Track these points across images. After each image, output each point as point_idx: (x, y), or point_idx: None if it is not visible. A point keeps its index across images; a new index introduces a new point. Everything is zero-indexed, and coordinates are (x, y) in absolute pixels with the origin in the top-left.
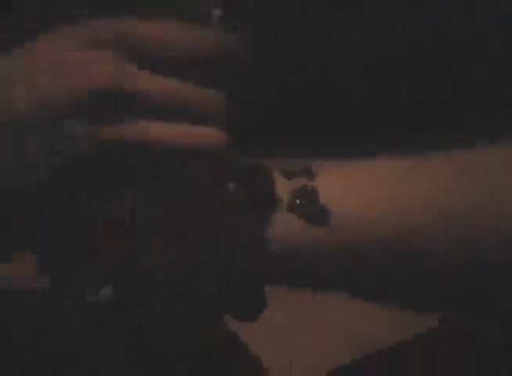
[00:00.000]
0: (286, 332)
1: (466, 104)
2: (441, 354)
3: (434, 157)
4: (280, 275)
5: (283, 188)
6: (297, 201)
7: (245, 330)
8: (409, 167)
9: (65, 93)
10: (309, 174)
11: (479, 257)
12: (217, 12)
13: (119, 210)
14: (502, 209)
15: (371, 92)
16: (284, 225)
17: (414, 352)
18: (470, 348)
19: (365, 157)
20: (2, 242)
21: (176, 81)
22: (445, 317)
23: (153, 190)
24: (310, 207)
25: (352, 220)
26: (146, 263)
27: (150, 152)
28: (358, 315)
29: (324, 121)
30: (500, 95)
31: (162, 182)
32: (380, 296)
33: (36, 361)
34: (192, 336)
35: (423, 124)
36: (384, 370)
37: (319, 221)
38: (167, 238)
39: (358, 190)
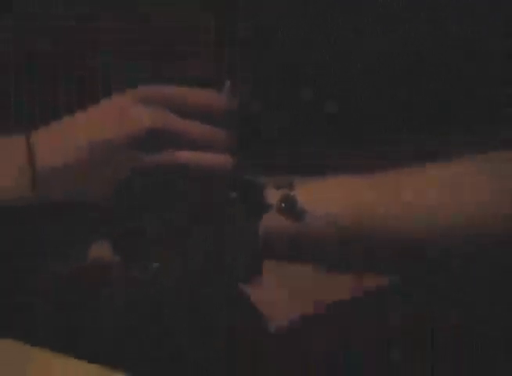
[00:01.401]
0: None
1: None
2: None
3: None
4: (270, 252)
5: (274, 196)
6: (283, 205)
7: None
8: (363, 181)
9: (128, 133)
10: (291, 186)
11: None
12: (227, 83)
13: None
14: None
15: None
16: (274, 221)
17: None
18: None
19: (332, 175)
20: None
21: (198, 123)
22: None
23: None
24: (291, 209)
25: (319, 217)
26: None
27: (179, 171)
28: (321, 278)
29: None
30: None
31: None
32: (339, 266)
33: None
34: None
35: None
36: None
37: (297, 218)
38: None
39: (324, 197)
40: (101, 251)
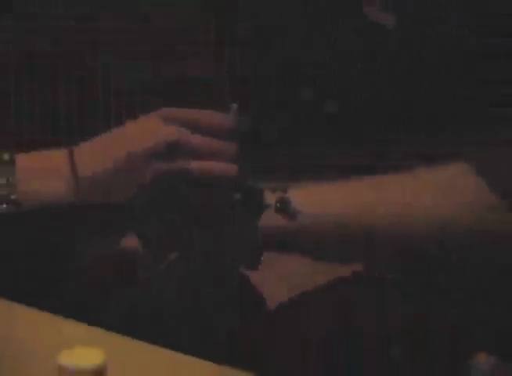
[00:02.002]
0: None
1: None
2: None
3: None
4: (268, 243)
5: (271, 198)
6: (278, 205)
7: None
8: (349, 185)
9: (151, 146)
10: (284, 190)
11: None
12: (234, 106)
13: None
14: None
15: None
16: (272, 218)
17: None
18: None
19: (329, 177)
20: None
21: (208, 138)
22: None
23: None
24: (285, 209)
25: (308, 215)
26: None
27: (191, 177)
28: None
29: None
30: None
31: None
32: (321, 257)
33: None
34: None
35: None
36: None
37: (291, 216)
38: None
39: (313, 200)
40: (130, 242)
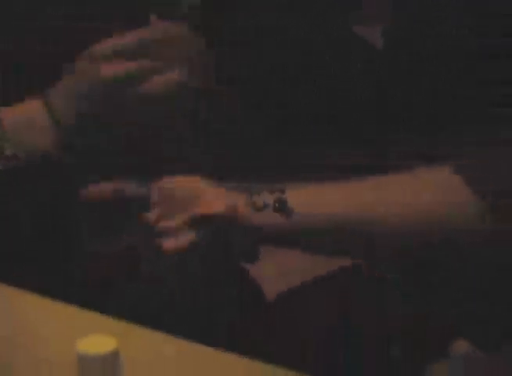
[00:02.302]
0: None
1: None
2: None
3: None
4: (267, 239)
5: (269, 198)
6: (277, 205)
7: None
8: (346, 186)
9: None
10: (282, 191)
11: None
12: None
13: None
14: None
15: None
16: (271, 216)
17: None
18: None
19: (319, 182)
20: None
21: None
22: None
23: None
24: (283, 208)
25: (302, 214)
26: None
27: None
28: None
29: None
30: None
31: None
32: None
33: None
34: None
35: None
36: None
37: (288, 215)
38: None
39: (307, 200)
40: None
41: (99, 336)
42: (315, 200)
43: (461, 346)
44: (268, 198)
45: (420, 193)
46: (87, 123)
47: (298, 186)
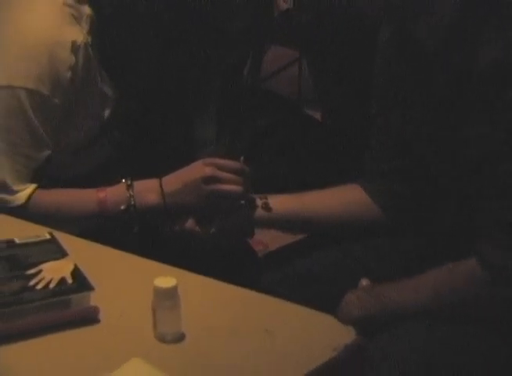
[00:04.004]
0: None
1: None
2: None
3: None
4: (259, 224)
5: (259, 202)
6: (263, 205)
7: None
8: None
9: (198, 178)
10: (266, 198)
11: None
12: (242, 158)
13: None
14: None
15: None
16: (259, 212)
17: None
18: None
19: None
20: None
21: (228, 174)
22: None
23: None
24: (266, 207)
25: (276, 210)
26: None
27: (220, 194)
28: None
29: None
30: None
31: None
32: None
33: None
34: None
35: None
36: None
37: (269, 211)
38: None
39: (279, 203)
40: (191, 222)
41: (166, 277)
42: (283, 203)
43: (364, 282)
44: (258, 202)
45: (339, 202)
46: None
47: (274, 197)
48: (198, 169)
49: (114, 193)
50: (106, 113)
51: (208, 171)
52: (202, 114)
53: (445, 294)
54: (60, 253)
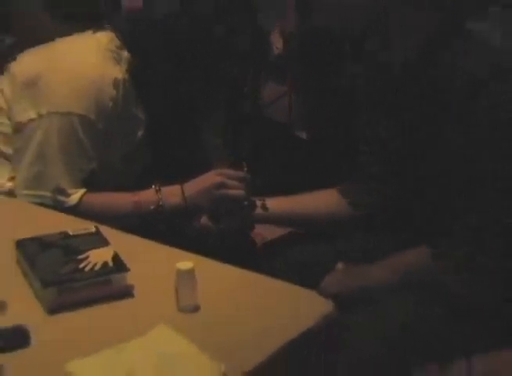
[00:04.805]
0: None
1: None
2: None
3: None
4: (259, 220)
5: (258, 203)
6: (262, 206)
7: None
8: (294, 198)
9: (210, 184)
10: (264, 200)
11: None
12: (245, 168)
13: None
14: None
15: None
16: (259, 211)
17: None
18: None
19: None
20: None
21: (235, 182)
22: None
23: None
24: (264, 208)
25: (272, 210)
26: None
27: (228, 197)
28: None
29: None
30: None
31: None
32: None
33: None
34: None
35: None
36: None
37: (266, 210)
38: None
39: (275, 204)
40: (204, 219)
41: (185, 262)
42: (278, 204)
43: (340, 265)
44: (257, 203)
45: (320, 203)
46: None
47: (270, 199)
48: (211, 178)
49: (146, 197)
50: (140, 133)
51: (218, 179)
52: (211, 125)
53: (411, 273)
54: (103, 242)
